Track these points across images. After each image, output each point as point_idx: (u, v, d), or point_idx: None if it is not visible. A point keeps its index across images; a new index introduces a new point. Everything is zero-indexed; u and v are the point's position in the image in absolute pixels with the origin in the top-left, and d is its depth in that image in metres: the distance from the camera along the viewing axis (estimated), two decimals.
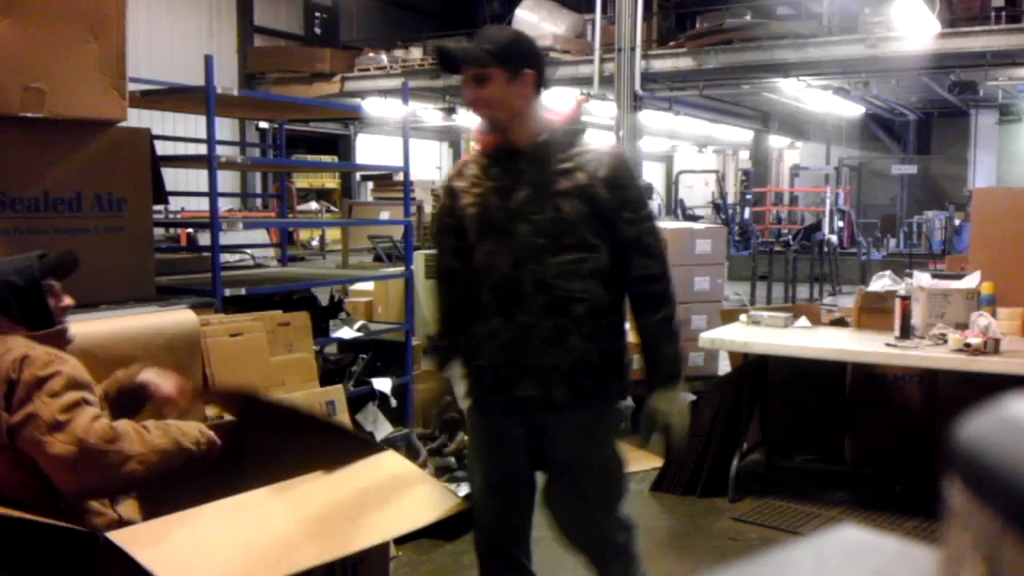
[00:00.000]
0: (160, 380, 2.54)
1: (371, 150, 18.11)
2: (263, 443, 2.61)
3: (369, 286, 6.51)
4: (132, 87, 3.71)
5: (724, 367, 5.31)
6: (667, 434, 2.32)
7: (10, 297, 2.31)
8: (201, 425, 2.32)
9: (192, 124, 8.30)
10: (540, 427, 2.37)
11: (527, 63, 2.27)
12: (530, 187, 2.27)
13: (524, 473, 2.45)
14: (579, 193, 2.25)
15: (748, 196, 19.57)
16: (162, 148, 4.23)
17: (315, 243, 15.58)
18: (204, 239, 7.59)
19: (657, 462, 4.70)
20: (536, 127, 2.30)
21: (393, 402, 4.75)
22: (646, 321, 2.33)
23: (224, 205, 11.22)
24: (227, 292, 4.01)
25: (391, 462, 2.52)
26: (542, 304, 2.26)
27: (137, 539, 1.95)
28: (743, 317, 4.68)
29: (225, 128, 12.27)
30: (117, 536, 1.92)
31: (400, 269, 5.52)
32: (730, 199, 20.01)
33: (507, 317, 2.30)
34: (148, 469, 2.11)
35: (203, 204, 6.43)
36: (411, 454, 4.39)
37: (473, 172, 2.38)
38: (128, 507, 2.34)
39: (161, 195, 3.96)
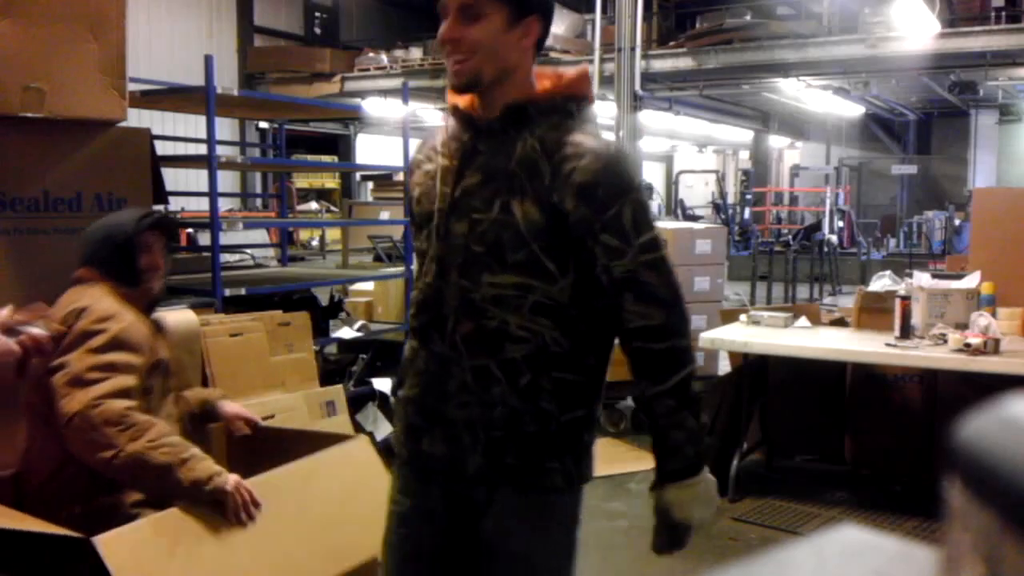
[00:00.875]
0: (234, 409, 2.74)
1: (371, 150, 18.12)
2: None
3: (369, 286, 6.51)
4: (132, 87, 3.71)
5: (724, 367, 5.31)
6: (683, 533, 1.72)
7: (103, 249, 2.37)
8: (224, 477, 2.20)
9: (192, 124, 8.30)
10: (465, 500, 1.71)
11: (535, 6, 1.64)
12: (481, 173, 1.64)
13: (438, 559, 1.75)
14: (538, 196, 1.60)
15: (748, 196, 19.58)
16: (162, 148, 4.23)
17: (315, 243, 15.60)
18: (204, 239, 7.59)
19: None
20: (520, 94, 1.65)
21: (393, 402, 4.76)
22: (648, 392, 1.65)
23: (224, 205, 11.22)
24: (227, 292, 4.02)
25: (362, 453, 2.56)
26: (467, 333, 1.64)
27: (122, 543, 1.97)
28: (743, 317, 4.68)
29: (225, 128, 12.28)
30: (101, 540, 1.93)
31: (400, 269, 5.52)
32: (730, 199, 20.01)
33: (424, 341, 1.70)
34: (123, 468, 2.10)
35: (203, 204, 6.43)
36: None
37: (435, 142, 1.78)
38: None
39: (161, 195, 3.96)
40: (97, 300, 2.25)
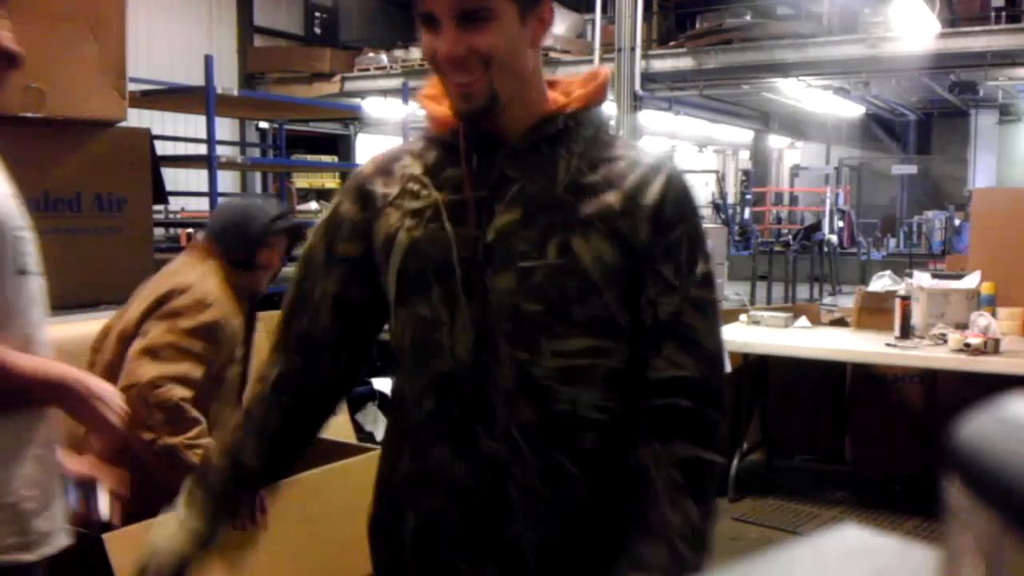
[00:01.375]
0: None
1: (371, 150, 18.09)
2: None
3: None
4: (132, 87, 3.72)
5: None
6: None
7: (232, 232, 2.41)
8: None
9: (192, 124, 8.30)
10: None
11: None
12: (521, 207, 1.24)
13: None
14: (607, 226, 1.22)
15: (748, 196, 19.59)
16: (162, 148, 4.24)
17: None
18: None
19: None
20: (538, 104, 1.28)
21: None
22: (649, 452, 1.21)
23: None
24: None
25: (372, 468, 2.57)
26: (528, 423, 1.22)
27: (130, 542, 1.97)
28: (743, 317, 4.69)
29: (225, 128, 12.26)
30: (112, 538, 1.93)
31: None
32: (730, 199, 20.01)
33: (460, 443, 1.25)
34: (157, 455, 2.14)
35: (203, 204, 6.43)
36: None
37: (411, 171, 1.32)
38: None
39: (161, 195, 3.96)
40: (202, 280, 2.30)
